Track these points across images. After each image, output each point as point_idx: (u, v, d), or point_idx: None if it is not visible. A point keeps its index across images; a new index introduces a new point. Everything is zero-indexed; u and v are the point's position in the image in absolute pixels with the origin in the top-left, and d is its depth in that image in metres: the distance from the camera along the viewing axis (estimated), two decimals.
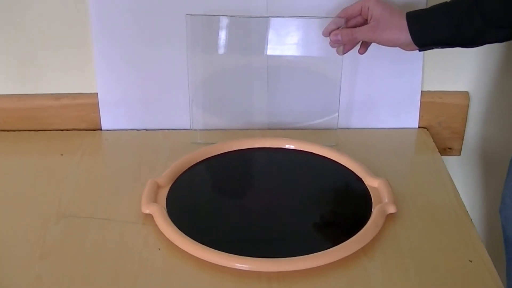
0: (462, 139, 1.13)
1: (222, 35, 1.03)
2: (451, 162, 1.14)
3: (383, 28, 0.89)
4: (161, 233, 0.84)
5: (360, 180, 0.95)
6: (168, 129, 1.11)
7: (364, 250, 0.81)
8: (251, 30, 1.03)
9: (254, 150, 1.03)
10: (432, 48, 0.89)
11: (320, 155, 1.01)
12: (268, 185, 0.96)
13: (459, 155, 1.15)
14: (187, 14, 0.98)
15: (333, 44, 0.96)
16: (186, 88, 1.06)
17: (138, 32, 1.05)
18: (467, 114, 1.11)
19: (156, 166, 0.99)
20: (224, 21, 1.00)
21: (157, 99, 1.10)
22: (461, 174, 1.17)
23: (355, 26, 0.94)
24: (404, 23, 0.88)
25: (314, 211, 0.90)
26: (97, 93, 1.09)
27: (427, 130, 1.12)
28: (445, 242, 0.83)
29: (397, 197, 0.90)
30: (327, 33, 0.96)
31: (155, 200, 0.89)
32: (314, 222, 0.88)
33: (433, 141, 1.08)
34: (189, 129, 1.10)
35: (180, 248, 0.80)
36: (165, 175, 0.94)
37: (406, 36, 0.88)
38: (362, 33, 0.92)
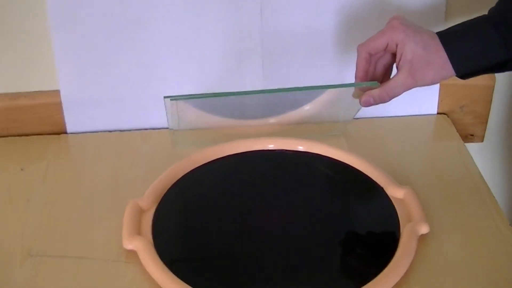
0: (486, 124, 0.98)
1: None
2: (472, 150, 0.99)
3: (422, 70, 0.72)
4: (149, 274, 0.68)
5: (381, 190, 0.80)
6: (146, 129, 0.95)
7: None
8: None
9: (251, 154, 0.88)
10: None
11: (331, 158, 0.86)
12: (271, 202, 0.81)
13: (482, 141, 1.01)
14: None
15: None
16: (164, 79, 0.91)
17: (104, 18, 0.88)
18: (492, 97, 0.96)
19: (135, 179, 0.84)
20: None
21: (130, 94, 0.93)
22: (483, 163, 1.03)
23: (377, 63, 0.78)
24: (444, 55, 0.71)
25: (329, 238, 0.74)
26: (59, 90, 0.92)
27: (447, 116, 0.97)
28: (489, 264, 0.70)
29: (424, 205, 0.76)
30: (359, 81, 0.78)
31: (138, 230, 0.73)
32: (330, 254, 0.73)
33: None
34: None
35: None
36: (148, 195, 0.78)
37: (451, 71, 0.72)
38: (399, 86, 0.74)
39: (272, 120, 0.91)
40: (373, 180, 0.81)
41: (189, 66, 0.92)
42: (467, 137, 0.99)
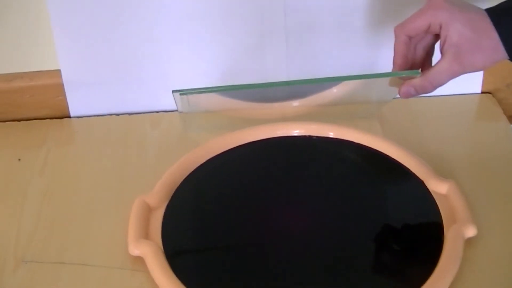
0: None
1: None
2: None
3: (470, 54, 0.62)
4: (157, 285, 0.60)
5: (421, 183, 0.70)
6: (157, 111, 0.86)
7: None
8: None
9: (273, 141, 0.78)
10: None
11: (364, 146, 0.76)
12: (298, 197, 0.71)
13: None
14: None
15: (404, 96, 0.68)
16: (176, 57, 0.82)
17: None
18: None
19: (144, 170, 0.76)
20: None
21: (138, 73, 0.84)
22: None
23: (417, 46, 0.68)
24: (495, 37, 0.61)
25: (360, 239, 0.65)
26: (59, 70, 0.83)
27: (492, 95, 0.87)
28: None
29: (469, 200, 0.67)
30: (398, 68, 0.68)
31: (146, 233, 0.65)
32: (363, 257, 0.64)
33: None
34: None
35: None
36: (158, 190, 0.70)
37: (503, 54, 0.61)
38: (443, 73, 0.64)
39: (296, 103, 0.81)
40: (412, 172, 0.72)
41: (205, 43, 0.82)
42: None
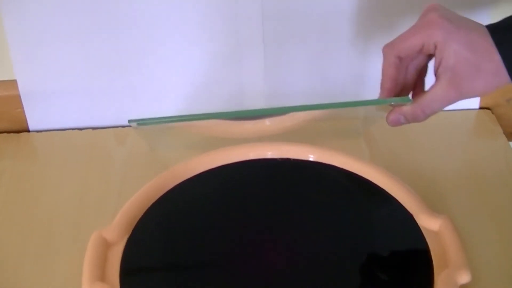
0: None
1: None
2: None
3: (469, 79, 0.55)
4: None
5: (410, 218, 0.63)
6: (123, 126, 0.78)
7: None
8: None
9: (246, 164, 0.71)
10: None
11: (348, 172, 0.69)
12: (273, 229, 0.64)
13: None
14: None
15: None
16: (144, 67, 0.75)
17: None
18: None
19: (106, 197, 0.69)
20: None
21: (103, 83, 0.76)
22: None
23: (408, 66, 0.60)
24: (497, 58, 0.53)
25: (339, 281, 0.58)
26: (15, 80, 0.75)
27: (491, 111, 0.80)
28: None
29: (463, 236, 0.61)
30: (387, 93, 0.60)
31: (102, 275, 0.58)
32: None
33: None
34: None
35: None
36: (117, 223, 0.63)
37: (506, 78, 0.54)
38: (437, 100, 0.57)
39: (271, 121, 0.74)
40: (401, 204, 0.65)
41: (176, 52, 0.74)
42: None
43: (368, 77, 0.76)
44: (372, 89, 0.74)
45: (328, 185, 0.69)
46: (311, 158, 0.70)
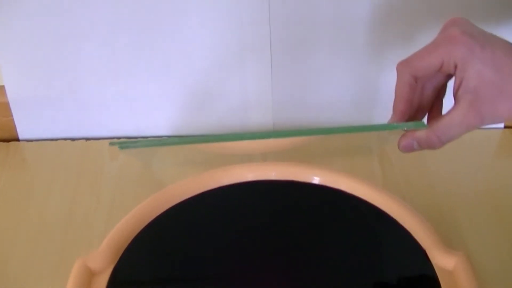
0: None
1: None
2: None
3: (492, 102, 0.49)
4: None
5: (422, 253, 0.57)
6: (118, 137, 0.73)
7: None
8: None
9: (245, 186, 0.65)
10: None
11: (357, 197, 0.63)
12: (273, 259, 0.59)
13: None
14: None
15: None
16: (140, 75, 0.70)
17: None
18: None
19: (95, 218, 0.63)
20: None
21: (97, 91, 0.71)
22: None
23: (424, 86, 0.54)
24: None
25: None
26: (3, 86, 0.71)
27: None
28: None
29: (480, 274, 0.55)
30: (400, 116, 0.54)
31: None
32: None
33: None
34: (150, 136, 0.72)
35: None
36: (103, 250, 0.58)
37: None
38: (456, 126, 0.50)
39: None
40: (413, 237, 0.59)
41: (175, 58, 0.69)
42: None
43: (382, 90, 0.71)
44: (386, 102, 0.68)
45: (334, 212, 0.63)
46: (316, 181, 0.65)
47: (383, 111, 0.69)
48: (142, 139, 0.55)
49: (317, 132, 0.53)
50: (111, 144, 0.55)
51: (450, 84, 0.53)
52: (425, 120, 0.55)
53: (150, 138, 0.55)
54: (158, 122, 0.72)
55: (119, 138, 0.73)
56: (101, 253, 0.57)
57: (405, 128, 0.53)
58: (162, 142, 0.56)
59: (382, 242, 0.60)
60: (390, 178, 0.67)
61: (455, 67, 0.49)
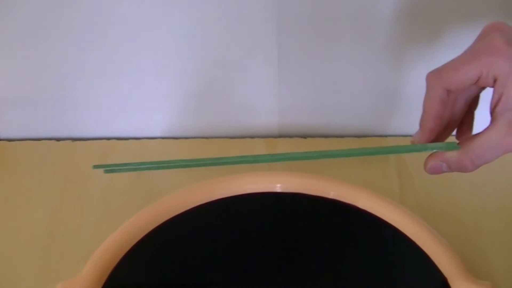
0: None
1: None
2: None
3: None
4: None
5: (443, 282, 0.51)
6: (107, 138, 0.67)
7: None
8: None
9: (247, 199, 0.59)
10: None
11: (372, 215, 0.57)
12: (277, 278, 0.52)
13: None
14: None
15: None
16: (130, 72, 0.64)
17: None
18: None
19: (79, 232, 0.57)
20: None
21: (85, 88, 0.65)
22: None
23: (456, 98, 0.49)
24: None
25: None
26: None
27: None
28: None
29: None
30: (429, 135, 0.49)
31: None
32: None
33: None
34: (141, 138, 0.66)
35: None
36: (87, 273, 0.52)
37: None
38: (492, 148, 0.45)
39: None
40: (434, 263, 0.52)
41: (173, 56, 0.62)
42: None
43: (401, 94, 0.64)
44: (405, 108, 0.62)
45: (346, 230, 0.57)
46: (329, 195, 0.58)
47: (402, 118, 0.64)
48: (130, 162, 0.49)
49: (329, 155, 0.47)
50: (95, 167, 0.49)
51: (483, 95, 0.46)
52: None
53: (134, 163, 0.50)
54: (151, 124, 0.66)
55: (108, 139, 0.67)
56: (84, 277, 0.51)
57: (435, 151, 0.47)
58: (152, 166, 0.50)
59: (399, 267, 0.54)
60: (408, 192, 0.61)
61: (494, 80, 0.43)
